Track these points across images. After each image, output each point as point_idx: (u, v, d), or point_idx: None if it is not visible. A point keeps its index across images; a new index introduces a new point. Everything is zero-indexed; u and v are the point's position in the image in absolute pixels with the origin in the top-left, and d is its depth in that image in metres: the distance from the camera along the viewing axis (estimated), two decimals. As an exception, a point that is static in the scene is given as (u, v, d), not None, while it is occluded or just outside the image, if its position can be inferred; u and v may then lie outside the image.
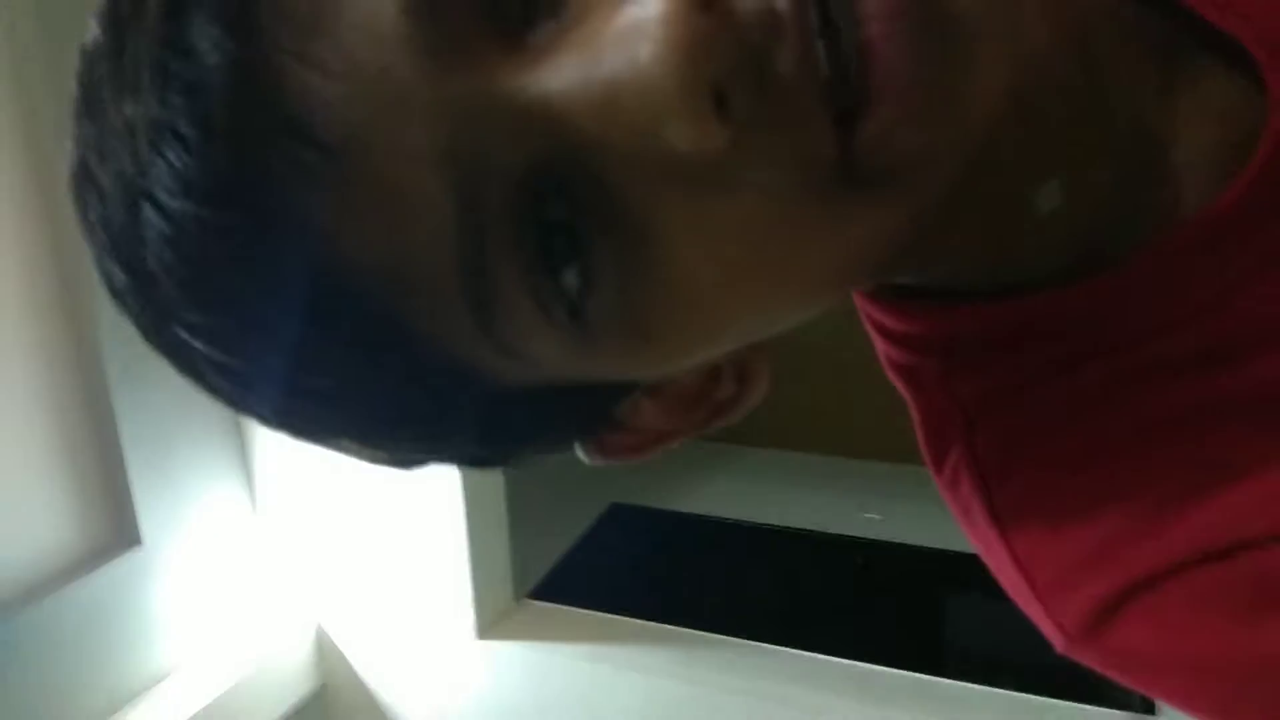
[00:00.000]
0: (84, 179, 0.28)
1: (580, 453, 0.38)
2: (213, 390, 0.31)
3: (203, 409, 1.72)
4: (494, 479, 1.88)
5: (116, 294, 0.29)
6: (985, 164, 0.29)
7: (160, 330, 0.29)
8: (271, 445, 1.84)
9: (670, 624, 1.94)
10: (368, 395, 0.29)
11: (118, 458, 1.54)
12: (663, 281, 0.28)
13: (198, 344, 0.28)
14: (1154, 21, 0.35)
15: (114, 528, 1.57)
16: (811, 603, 2.19)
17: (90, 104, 0.28)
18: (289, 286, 0.26)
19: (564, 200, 0.27)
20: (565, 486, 2.55)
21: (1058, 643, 0.35)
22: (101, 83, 0.27)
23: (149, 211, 0.26)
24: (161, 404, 1.58)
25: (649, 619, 1.97)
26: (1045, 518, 0.36)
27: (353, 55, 0.25)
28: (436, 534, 1.82)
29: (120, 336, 1.48)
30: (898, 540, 2.33)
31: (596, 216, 0.27)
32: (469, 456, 0.35)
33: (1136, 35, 0.35)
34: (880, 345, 0.42)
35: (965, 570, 2.21)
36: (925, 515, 2.39)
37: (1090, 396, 0.35)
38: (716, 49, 0.24)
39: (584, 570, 2.28)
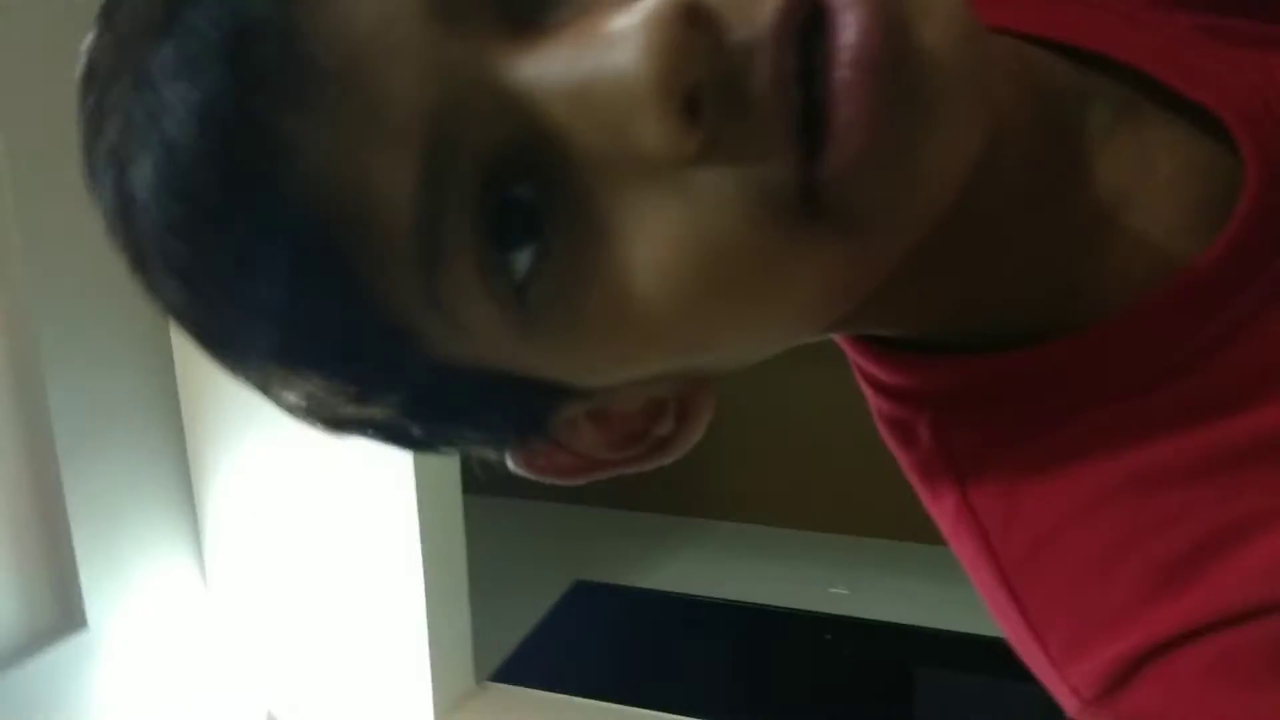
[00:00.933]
0: (93, 83, 0.31)
1: (509, 460, 0.37)
2: (164, 290, 0.31)
3: (153, 489, 1.68)
4: (455, 556, 1.85)
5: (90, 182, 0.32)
6: (952, 224, 0.30)
7: (124, 211, 0.30)
8: (224, 523, 1.80)
9: (636, 706, 1.90)
10: (306, 322, 0.30)
11: (64, 537, 1.49)
12: (607, 279, 0.29)
13: (167, 237, 0.30)
14: (1116, 87, 0.36)
15: (59, 610, 1.52)
16: (780, 680, 2.16)
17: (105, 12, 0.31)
18: (257, 197, 0.28)
19: (529, 183, 0.28)
20: (527, 564, 2.51)
21: (1070, 706, 0.34)
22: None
23: (154, 95, 0.28)
24: (111, 483, 1.54)
25: (615, 700, 1.92)
26: (1054, 574, 0.35)
27: (364, 3, 0.27)
28: (394, 612, 1.78)
29: (70, 413, 1.45)
30: (866, 615, 2.30)
31: (556, 205, 0.28)
32: (395, 426, 0.35)
33: (1099, 99, 0.36)
34: (871, 397, 0.42)
35: (934, 646, 2.21)
36: (893, 590, 2.37)
37: (1091, 447, 0.35)
38: (694, 58, 0.26)
39: (548, 651, 2.23)
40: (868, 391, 0.42)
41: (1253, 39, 0.37)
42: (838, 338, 0.41)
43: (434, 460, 1.68)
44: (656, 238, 0.28)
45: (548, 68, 0.27)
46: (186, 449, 1.75)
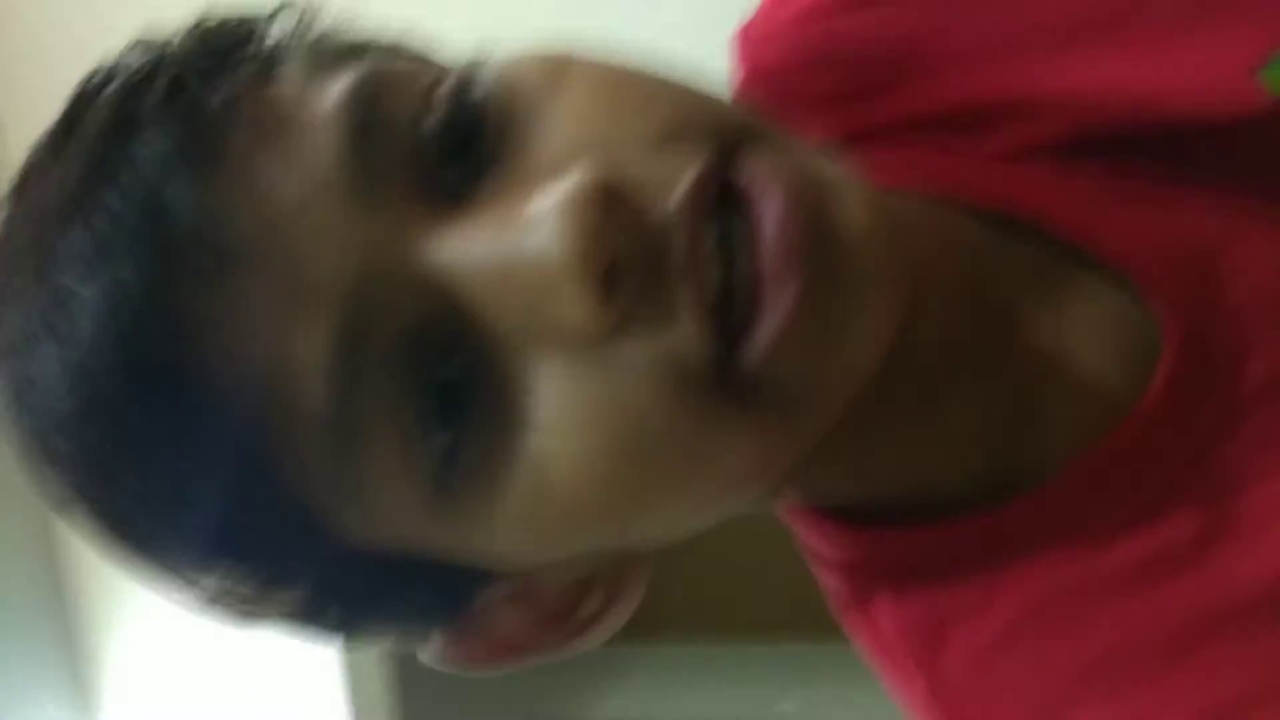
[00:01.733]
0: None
1: (423, 653, 0.36)
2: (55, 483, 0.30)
3: (40, 680, 1.59)
4: (383, 696, 1.77)
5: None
6: (882, 391, 0.30)
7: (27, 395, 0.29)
8: (123, 707, 1.70)
9: None
10: (214, 512, 0.29)
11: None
12: (526, 460, 0.28)
13: (68, 429, 0.29)
14: (1033, 246, 0.36)
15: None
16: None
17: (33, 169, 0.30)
18: (167, 388, 0.27)
19: (450, 363, 0.28)
20: (467, 701, 2.42)
21: None
22: (40, 165, 0.30)
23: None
24: None
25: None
26: None
27: (283, 184, 0.27)
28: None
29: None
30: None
31: (477, 385, 0.28)
32: (306, 613, 0.33)
33: (1017, 259, 0.36)
34: (819, 571, 0.40)
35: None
36: (842, 699, 2.33)
37: (1058, 622, 0.34)
38: (610, 239, 0.26)
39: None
40: (812, 564, 0.40)
41: (1166, 183, 0.37)
42: (781, 508, 0.40)
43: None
44: (575, 415, 0.28)
45: (467, 249, 0.27)
46: (73, 634, 1.67)
